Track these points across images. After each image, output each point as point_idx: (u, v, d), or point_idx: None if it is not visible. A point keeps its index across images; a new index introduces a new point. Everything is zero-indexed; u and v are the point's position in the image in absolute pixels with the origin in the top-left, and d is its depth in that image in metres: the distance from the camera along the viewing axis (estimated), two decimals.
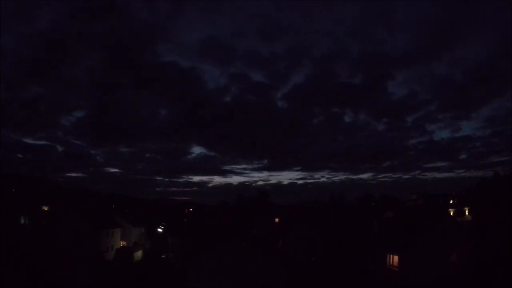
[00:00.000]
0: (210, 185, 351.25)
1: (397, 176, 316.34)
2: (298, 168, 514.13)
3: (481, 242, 34.70)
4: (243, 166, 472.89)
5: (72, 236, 49.79)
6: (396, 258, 29.39)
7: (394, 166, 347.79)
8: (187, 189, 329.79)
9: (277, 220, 65.28)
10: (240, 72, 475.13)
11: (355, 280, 33.69)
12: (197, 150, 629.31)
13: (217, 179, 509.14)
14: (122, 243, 60.84)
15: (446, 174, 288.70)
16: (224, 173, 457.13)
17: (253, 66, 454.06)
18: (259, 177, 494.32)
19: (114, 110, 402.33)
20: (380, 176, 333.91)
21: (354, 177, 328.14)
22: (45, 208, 73.75)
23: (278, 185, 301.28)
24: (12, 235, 49.77)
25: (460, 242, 30.24)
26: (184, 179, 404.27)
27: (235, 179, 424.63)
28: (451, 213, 57.53)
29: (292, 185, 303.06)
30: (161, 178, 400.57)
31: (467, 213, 64.10)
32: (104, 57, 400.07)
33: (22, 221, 57.18)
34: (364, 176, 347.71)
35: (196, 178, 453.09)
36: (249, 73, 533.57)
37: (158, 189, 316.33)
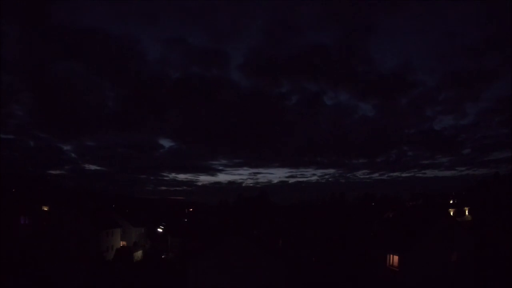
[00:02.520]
0: (199, 183, 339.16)
1: (395, 175, 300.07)
2: (278, 164, 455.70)
3: (481, 242, 34.72)
4: (222, 162, 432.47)
5: (72, 236, 49.84)
6: (396, 258, 29.39)
7: (390, 162, 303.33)
8: (179, 188, 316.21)
9: (277, 220, 65.31)
10: (178, 36, 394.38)
11: (355, 280, 33.68)
12: (166, 143, 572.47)
13: (203, 178, 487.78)
14: (122, 243, 60.87)
15: (447, 172, 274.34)
16: (205, 170, 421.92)
17: (189, 25, 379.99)
18: (246, 176, 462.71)
19: (58, 94, 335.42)
20: (376, 174, 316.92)
21: (348, 174, 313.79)
22: (45, 208, 73.74)
23: (269, 184, 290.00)
24: (12, 235, 49.77)
25: (460, 242, 30.25)
26: (169, 177, 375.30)
27: (221, 178, 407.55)
28: (451, 213, 57.56)
29: (283, 183, 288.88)
30: (144, 176, 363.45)
31: (467, 213, 64.14)
32: (18, 28, 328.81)
33: (22, 221, 57.19)
34: (359, 173, 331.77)
35: (181, 176, 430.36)
36: (186, 37, 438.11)
37: (148, 188, 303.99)
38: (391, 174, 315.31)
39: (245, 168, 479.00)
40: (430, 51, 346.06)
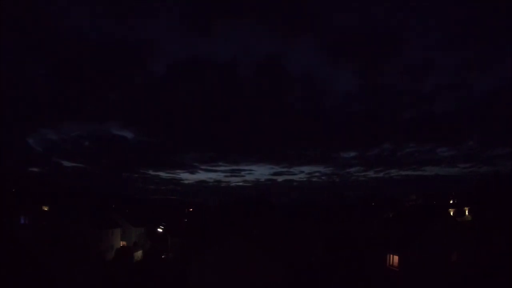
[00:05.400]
0: (185, 182, 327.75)
1: (393, 172, 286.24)
2: (256, 159, 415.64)
3: (481, 242, 34.71)
4: (193, 156, 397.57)
5: (71, 236, 49.71)
6: (396, 258, 29.40)
7: (384, 157, 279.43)
8: (166, 187, 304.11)
9: (276, 220, 65.29)
10: None
11: (355, 280, 33.67)
12: (127, 134, 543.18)
13: (185, 176, 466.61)
14: (122, 243, 60.88)
15: (449, 170, 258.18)
16: (182, 167, 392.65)
17: None
18: (229, 173, 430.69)
19: None
20: (371, 172, 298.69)
21: (341, 172, 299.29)
22: (45, 208, 73.71)
23: (258, 182, 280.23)
24: (11, 235, 49.65)
25: (460, 242, 30.25)
26: (151, 175, 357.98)
27: (205, 176, 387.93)
28: (451, 213, 57.59)
29: (273, 182, 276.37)
30: (127, 173, 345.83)
31: (467, 213, 64.21)
32: None
33: (22, 221, 57.15)
34: (352, 170, 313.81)
35: (163, 174, 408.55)
36: None
37: (136, 187, 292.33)
38: (389, 171, 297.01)
39: (220, 163, 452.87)
40: None
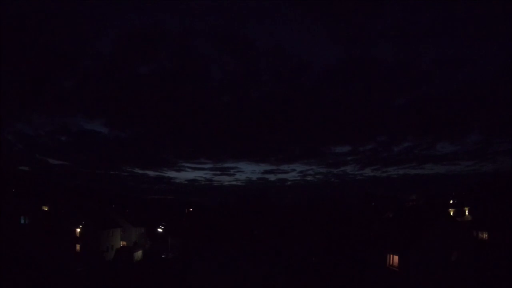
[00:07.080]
0: (177, 181, 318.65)
1: (392, 171, 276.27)
2: (238, 154, 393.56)
3: (481, 242, 34.73)
4: (174, 152, 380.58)
5: (72, 236, 49.77)
6: (396, 258, 29.39)
7: (380, 153, 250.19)
8: (158, 186, 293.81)
9: (276, 220, 65.26)
10: None
11: (355, 280, 33.67)
12: (102, 129, 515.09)
13: (174, 174, 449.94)
14: (122, 243, 60.93)
15: (451, 168, 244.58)
16: (167, 165, 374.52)
17: None
18: (219, 172, 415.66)
19: None
20: (368, 170, 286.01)
21: (335, 170, 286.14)
22: (45, 208, 73.65)
23: (250, 181, 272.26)
24: (11, 235, 49.72)
25: (460, 242, 30.24)
26: (139, 173, 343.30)
27: (195, 174, 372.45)
28: (451, 213, 57.62)
29: (266, 181, 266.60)
30: (115, 172, 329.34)
31: (467, 213, 64.23)
32: None
33: (22, 221, 57.16)
34: (347, 168, 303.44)
35: (151, 173, 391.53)
36: None
37: (129, 186, 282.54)
38: (386, 169, 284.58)
39: (202, 159, 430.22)
40: None
